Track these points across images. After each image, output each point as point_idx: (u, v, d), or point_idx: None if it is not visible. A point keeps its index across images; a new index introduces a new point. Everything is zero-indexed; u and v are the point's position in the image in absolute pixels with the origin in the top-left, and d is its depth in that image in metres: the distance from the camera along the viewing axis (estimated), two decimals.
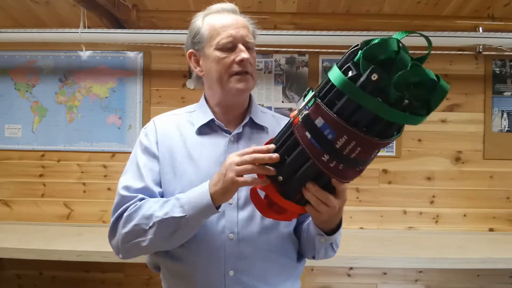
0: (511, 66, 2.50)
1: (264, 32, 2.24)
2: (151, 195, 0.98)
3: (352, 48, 0.69)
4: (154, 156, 1.02)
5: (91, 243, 2.04)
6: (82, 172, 2.54)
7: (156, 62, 2.54)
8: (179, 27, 2.28)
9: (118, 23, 2.40)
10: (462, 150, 2.51)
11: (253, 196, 0.84)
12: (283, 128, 0.80)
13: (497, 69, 2.50)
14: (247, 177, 0.81)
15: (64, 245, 1.98)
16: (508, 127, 2.50)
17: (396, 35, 0.66)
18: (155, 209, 0.91)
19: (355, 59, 0.67)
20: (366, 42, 0.67)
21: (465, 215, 2.50)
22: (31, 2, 2.28)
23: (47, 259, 1.95)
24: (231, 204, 0.97)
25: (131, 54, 2.53)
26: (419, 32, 0.69)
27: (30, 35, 2.30)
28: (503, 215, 2.50)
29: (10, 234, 2.23)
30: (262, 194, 0.85)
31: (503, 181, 2.49)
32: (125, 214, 0.94)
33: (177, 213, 0.88)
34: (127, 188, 0.98)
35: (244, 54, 0.97)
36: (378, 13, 2.38)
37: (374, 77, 0.63)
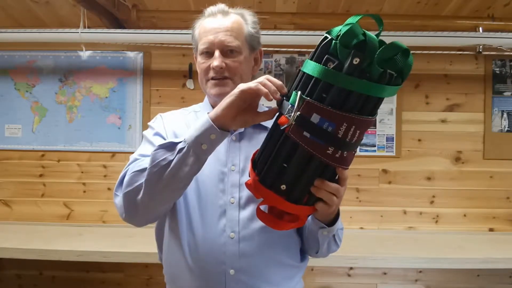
0: (511, 66, 2.50)
1: (264, 32, 2.23)
2: None
3: (322, 41, 0.73)
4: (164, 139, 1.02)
5: (91, 243, 2.04)
6: (82, 172, 2.54)
7: (156, 62, 2.54)
8: (179, 27, 2.28)
9: (118, 23, 2.40)
10: (462, 150, 2.51)
11: (260, 214, 0.83)
12: (269, 140, 0.79)
13: (497, 69, 2.50)
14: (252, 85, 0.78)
15: (64, 245, 1.98)
16: (508, 127, 2.50)
17: (350, 19, 0.70)
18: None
19: (330, 50, 0.70)
20: (330, 33, 0.73)
21: (465, 215, 2.51)
22: (31, 2, 2.28)
23: (47, 259, 1.95)
24: (232, 203, 0.97)
25: (131, 54, 2.53)
26: (370, 14, 0.72)
27: (30, 35, 2.30)
28: (503, 215, 2.50)
29: (10, 234, 2.23)
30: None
31: (503, 181, 2.49)
32: (130, 166, 0.93)
33: (176, 140, 0.85)
34: (138, 154, 0.97)
35: (216, 62, 0.98)
36: (378, 13, 2.38)
37: (356, 61, 0.67)
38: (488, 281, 2.42)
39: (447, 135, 2.51)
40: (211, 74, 1.01)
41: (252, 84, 0.78)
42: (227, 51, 1.00)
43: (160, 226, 1.06)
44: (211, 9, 1.05)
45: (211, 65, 1.00)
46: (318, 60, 0.71)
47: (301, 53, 2.50)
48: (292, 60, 2.52)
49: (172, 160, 0.83)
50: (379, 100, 0.73)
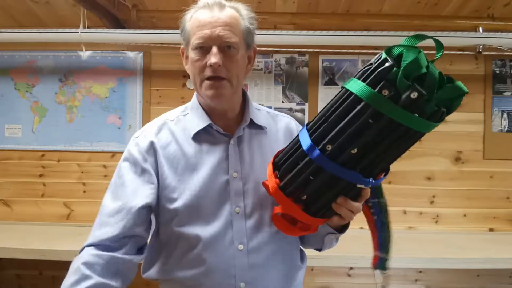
0: (511, 66, 2.50)
1: (264, 32, 2.24)
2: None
3: (379, 63, 0.66)
4: (146, 171, 0.95)
5: None
6: (82, 172, 2.54)
7: (156, 62, 2.54)
8: (179, 27, 2.26)
9: (118, 23, 2.40)
10: (462, 150, 2.51)
11: (275, 219, 0.84)
12: (296, 151, 0.78)
13: (497, 69, 2.50)
14: None
15: (64, 245, 1.98)
16: (508, 127, 2.50)
17: (408, 40, 0.65)
18: None
19: (389, 76, 0.64)
20: (390, 53, 0.65)
21: (465, 215, 2.50)
22: (31, 2, 2.28)
23: (47, 259, 1.94)
24: (238, 213, 0.93)
25: (131, 54, 2.53)
26: (431, 36, 0.68)
27: (30, 35, 2.30)
28: (503, 215, 2.50)
29: (10, 234, 2.22)
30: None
31: (503, 181, 2.49)
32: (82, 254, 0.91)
33: None
34: (107, 206, 0.94)
35: (213, 59, 0.88)
36: (378, 13, 2.38)
37: (414, 95, 0.63)
38: (488, 281, 2.42)
39: (447, 135, 2.50)
40: (207, 73, 0.91)
41: None
42: (224, 47, 0.90)
43: (159, 241, 0.99)
44: (206, 0, 0.94)
45: (207, 62, 0.90)
46: (372, 84, 0.66)
47: (301, 53, 2.49)
48: (292, 60, 2.52)
49: None
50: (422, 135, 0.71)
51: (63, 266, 2.80)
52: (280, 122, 1.06)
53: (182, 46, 1.00)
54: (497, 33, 2.25)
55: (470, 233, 2.45)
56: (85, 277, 0.86)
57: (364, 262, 1.95)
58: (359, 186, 0.73)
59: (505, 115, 2.50)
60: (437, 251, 2.05)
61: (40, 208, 2.55)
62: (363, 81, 0.66)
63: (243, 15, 0.96)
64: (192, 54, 0.93)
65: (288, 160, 0.78)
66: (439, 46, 0.67)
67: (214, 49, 0.89)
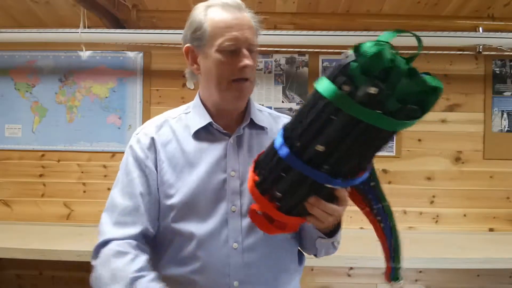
0: (511, 66, 2.50)
1: (264, 32, 2.22)
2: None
3: (346, 58, 0.65)
4: (149, 168, 0.97)
5: (91, 243, 2.02)
6: (82, 172, 2.54)
7: (156, 62, 2.54)
8: (179, 27, 2.24)
9: (118, 23, 2.40)
10: (462, 150, 2.51)
11: (251, 214, 0.82)
12: (270, 149, 0.77)
13: (497, 69, 2.50)
14: None
15: (64, 245, 1.98)
16: (508, 127, 2.50)
17: (384, 35, 0.62)
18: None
19: (349, 72, 0.63)
20: (358, 49, 0.63)
21: (465, 215, 2.50)
22: (31, 2, 2.28)
23: (47, 259, 1.94)
24: (234, 212, 0.94)
25: (131, 54, 2.53)
26: (411, 31, 0.66)
27: (30, 35, 2.30)
28: (503, 215, 2.50)
29: (10, 234, 2.23)
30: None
31: (503, 181, 2.49)
32: (103, 255, 0.93)
33: None
34: (114, 200, 0.96)
35: (247, 61, 0.90)
36: (378, 13, 2.38)
37: (373, 90, 0.60)
38: (488, 281, 2.42)
39: (447, 135, 2.50)
40: (239, 75, 0.91)
41: None
42: (250, 50, 0.92)
43: (155, 237, 0.99)
44: (226, 1, 0.93)
45: (241, 65, 0.90)
46: (335, 81, 0.64)
47: (301, 53, 2.49)
48: (292, 60, 2.52)
49: None
50: (393, 133, 0.67)
51: (63, 266, 2.81)
52: (281, 123, 1.06)
53: (186, 45, 0.97)
54: (497, 33, 2.25)
55: (470, 233, 2.45)
56: (136, 255, 0.88)
57: (364, 262, 1.95)
58: (327, 185, 0.71)
59: (505, 115, 2.50)
60: (437, 251, 2.05)
61: (40, 208, 2.55)
62: (330, 78, 0.65)
63: (254, 18, 0.97)
64: (218, 56, 0.91)
65: (265, 158, 0.78)
66: (419, 41, 0.66)
67: (246, 52, 0.91)
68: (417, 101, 0.63)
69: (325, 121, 0.66)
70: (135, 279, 0.84)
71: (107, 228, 0.94)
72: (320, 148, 0.67)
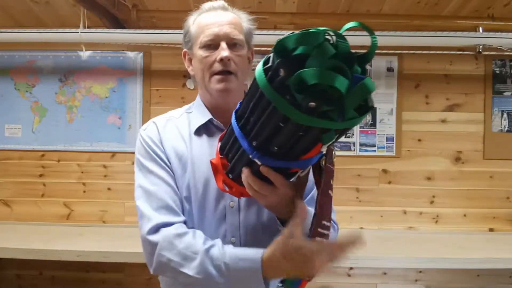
0: (511, 66, 2.50)
1: (264, 32, 2.24)
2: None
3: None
4: (162, 160, 0.99)
5: (91, 243, 2.04)
6: (82, 172, 2.54)
7: (156, 62, 2.54)
8: (179, 27, 2.23)
9: (118, 23, 2.40)
10: (462, 150, 2.51)
11: (212, 164, 0.85)
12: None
13: (497, 69, 2.50)
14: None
15: (64, 245, 1.98)
16: (508, 127, 2.50)
17: (315, 28, 0.60)
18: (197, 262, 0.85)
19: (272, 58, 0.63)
20: (283, 39, 0.62)
21: (465, 215, 2.50)
22: (31, 2, 2.28)
23: (47, 259, 1.95)
24: (232, 207, 0.96)
25: (131, 54, 2.53)
26: (366, 27, 0.62)
27: (30, 35, 2.30)
28: (503, 215, 2.50)
29: (10, 234, 2.23)
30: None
31: (503, 181, 2.49)
32: (169, 237, 0.90)
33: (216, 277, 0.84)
34: (144, 190, 0.96)
35: (224, 52, 0.94)
36: (378, 13, 2.38)
37: (281, 72, 0.59)
38: (488, 281, 2.42)
39: (447, 135, 2.51)
40: (217, 67, 0.96)
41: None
42: (231, 44, 0.97)
43: None
44: (211, 4, 1.02)
45: (218, 57, 0.95)
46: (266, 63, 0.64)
47: None
48: None
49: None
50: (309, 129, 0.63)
51: (63, 266, 2.82)
52: None
53: (184, 50, 1.06)
54: (497, 33, 2.25)
55: (470, 233, 2.45)
56: (194, 231, 0.90)
57: (364, 262, 1.95)
58: (253, 159, 0.72)
59: (505, 115, 2.50)
60: (437, 251, 2.05)
61: (40, 208, 2.55)
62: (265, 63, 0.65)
63: (243, 18, 1.03)
64: (200, 52, 0.98)
65: (228, 129, 0.82)
66: (373, 40, 0.64)
67: (224, 44, 0.95)
68: (336, 101, 0.59)
69: (252, 96, 0.68)
70: (208, 250, 0.85)
71: (150, 213, 0.93)
72: (246, 121, 0.72)
